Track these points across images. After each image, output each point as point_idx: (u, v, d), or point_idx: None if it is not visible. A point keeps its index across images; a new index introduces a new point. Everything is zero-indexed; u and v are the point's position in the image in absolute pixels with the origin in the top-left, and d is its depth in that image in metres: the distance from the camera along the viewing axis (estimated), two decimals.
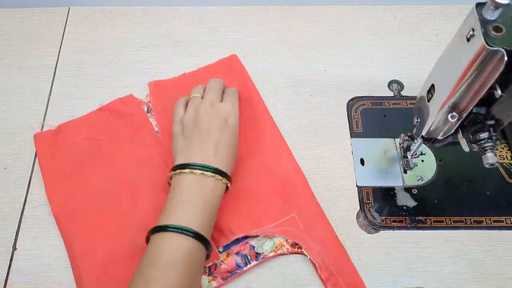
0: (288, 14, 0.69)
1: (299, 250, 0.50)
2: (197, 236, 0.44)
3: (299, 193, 0.54)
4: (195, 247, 0.44)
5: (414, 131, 0.51)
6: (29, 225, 0.53)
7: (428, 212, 0.53)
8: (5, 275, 0.50)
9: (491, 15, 0.37)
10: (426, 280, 0.49)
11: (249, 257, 0.50)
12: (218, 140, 0.49)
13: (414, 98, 0.60)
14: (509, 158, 0.57)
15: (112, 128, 0.58)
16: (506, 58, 0.35)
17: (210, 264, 0.50)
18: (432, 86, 0.46)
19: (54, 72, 0.64)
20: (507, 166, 0.56)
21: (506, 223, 0.53)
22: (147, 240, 0.46)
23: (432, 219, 0.53)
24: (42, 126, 0.60)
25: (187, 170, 0.47)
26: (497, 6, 0.36)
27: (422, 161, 0.57)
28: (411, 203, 0.54)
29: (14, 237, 0.53)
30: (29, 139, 0.59)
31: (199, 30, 0.68)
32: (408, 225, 0.53)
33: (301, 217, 0.52)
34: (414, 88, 0.62)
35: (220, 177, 0.48)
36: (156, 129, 0.59)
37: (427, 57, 0.65)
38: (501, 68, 0.36)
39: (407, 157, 0.55)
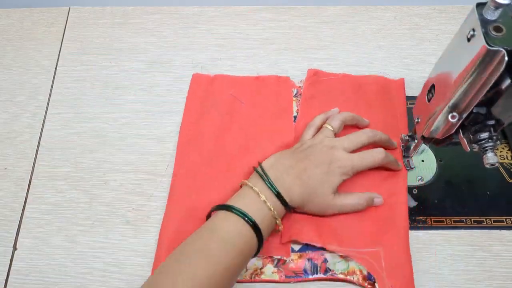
0: (288, 14, 0.69)
1: (369, 286, 0.48)
2: (255, 228, 0.45)
3: (395, 232, 0.50)
4: (253, 238, 0.45)
5: (414, 131, 0.51)
6: (29, 225, 0.53)
7: (428, 212, 0.53)
8: (5, 275, 0.50)
9: (491, 15, 0.37)
10: (426, 280, 0.49)
11: (318, 267, 0.49)
12: (309, 170, 0.49)
13: (414, 98, 0.60)
14: (510, 158, 0.57)
15: (257, 98, 0.60)
16: (506, 58, 0.36)
17: (279, 257, 0.50)
18: (432, 86, 0.46)
19: (54, 72, 0.64)
20: (507, 166, 0.56)
21: (506, 223, 0.53)
22: (209, 215, 0.48)
23: (432, 219, 0.53)
24: (43, 126, 0.60)
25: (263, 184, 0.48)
26: (498, 6, 0.36)
27: (422, 161, 0.57)
28: (411, 203, 0.54)
29: (14, 237, 0.53)
30: (29, 139, 0.59)
31: (199, 30, 0.68)
32: (408, 225, 0.53)
33: (386, 255, 0.49)
34: (414, 88, 0.62)
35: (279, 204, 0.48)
36: (295, 114, 0.59)
37: (427, 57, 0.65)
38: (502, 68, 0.36)
39: (408, 157, 0.55)
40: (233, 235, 0.44)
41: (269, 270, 0.49)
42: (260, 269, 0.49)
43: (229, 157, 0.56)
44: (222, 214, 0.46)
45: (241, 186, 0.50)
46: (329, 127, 0.54)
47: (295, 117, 0.59)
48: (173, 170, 0.55)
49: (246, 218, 0.45)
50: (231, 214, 0.45)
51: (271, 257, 0.50)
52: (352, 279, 0.49)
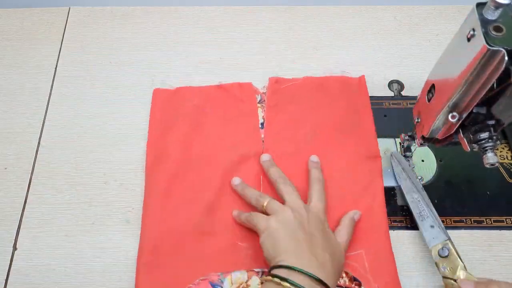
0: (288, 14, 0.69)
1: (356, 287, 0.48)
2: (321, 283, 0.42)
3: (374, 232, 0.51)
4: None
5: (414, 131, 0.51)
6: (29, 225, 0.53)
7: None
8: (5, 275, 0.50)
9: (491, 15, 0.37)
10: (426, 280, 0.49)
11: None
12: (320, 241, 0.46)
13: (414, 98, 0.60)
14: (510, 158, 0.57)
15: (221, 106, 0.60)
16: (506, 58, 0.36)
17: (263, 270, 0.49)
18: (432, 86, 0.46)
19: (54, 72, 0.64)
20: (507, 166, 0.56)
21: (506, 223, 0.53)
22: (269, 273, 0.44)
23: None
24: (43, 126, 0.60)
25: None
26: (498, 6, 0.36)
27: (422, 161, 0.57)
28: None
29: (14, 237, 0.53)
30: (29, 139, 0.59)
31: (199, 30, 0.68)
32: (408, 225, 0.53)
33: (369, 256, 0.50)
34: (414, 88, 0.62)
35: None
36: (261, 121, 0.59)
37: (427, 57, 0.65)
38: (502, 68, 0.36)
39: (408, 157, 0.55)
40: None
41: (255, 282, 0.49)
42: (246, 282, 0.49)
43: (197, 170, 0.55)
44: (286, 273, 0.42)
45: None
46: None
47: (262, 124, 0.59)
48: (144, 189, 0.54)
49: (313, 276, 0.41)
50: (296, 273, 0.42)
51: (254, 270, 0.50)
52: (339, 283, 0.49)
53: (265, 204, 0.49)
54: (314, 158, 0.55)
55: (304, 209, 0.48)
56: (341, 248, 0.48)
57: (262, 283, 0.45)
